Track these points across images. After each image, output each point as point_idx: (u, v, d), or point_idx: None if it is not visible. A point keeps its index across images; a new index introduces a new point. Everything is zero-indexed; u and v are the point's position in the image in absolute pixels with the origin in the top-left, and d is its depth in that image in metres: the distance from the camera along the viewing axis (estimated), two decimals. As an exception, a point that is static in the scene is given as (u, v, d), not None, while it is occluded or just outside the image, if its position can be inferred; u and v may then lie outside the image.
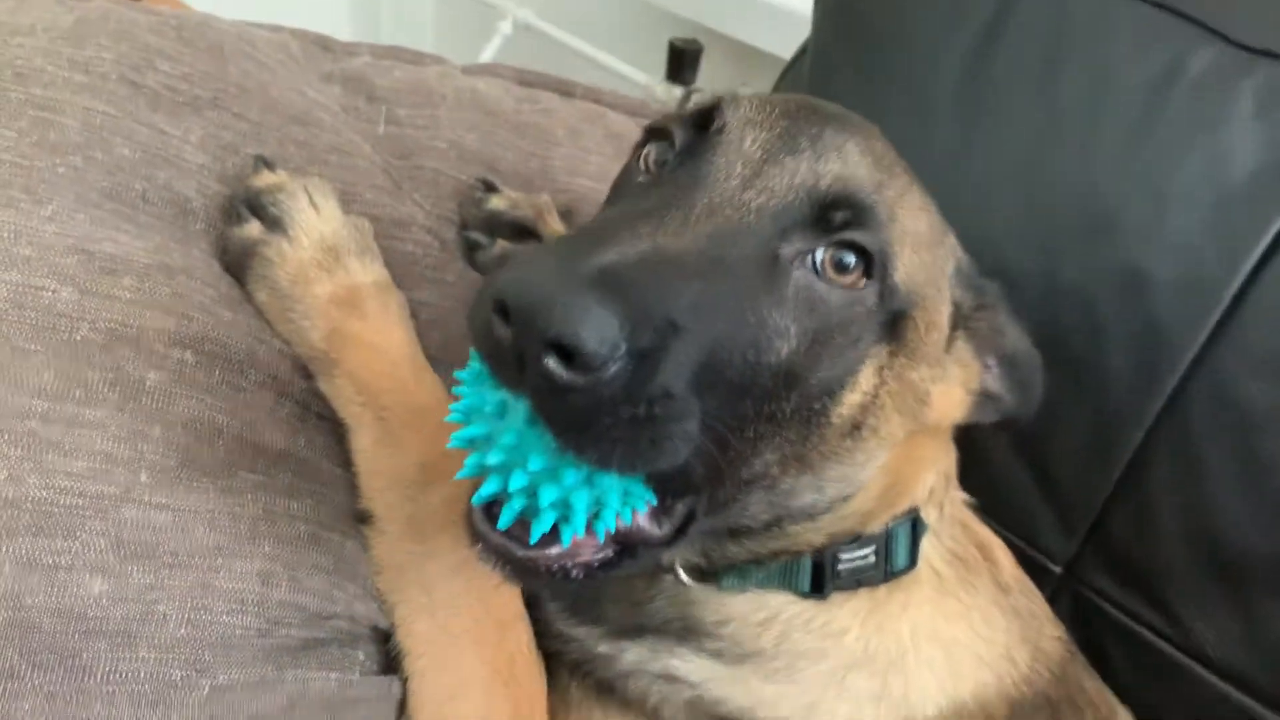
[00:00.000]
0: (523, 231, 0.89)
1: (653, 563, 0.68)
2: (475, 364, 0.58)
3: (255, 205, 0.74)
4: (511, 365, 0.51)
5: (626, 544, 0.62)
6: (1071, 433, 0.91)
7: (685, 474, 0.56)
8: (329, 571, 0.68)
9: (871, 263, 0.62)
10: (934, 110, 0.92)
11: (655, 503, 0.59)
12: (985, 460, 0.85)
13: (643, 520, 0.62)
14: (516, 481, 0.56)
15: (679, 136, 0.66)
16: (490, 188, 0.91)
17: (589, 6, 2.08)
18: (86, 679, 0.57)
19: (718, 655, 0.72)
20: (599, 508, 0.57)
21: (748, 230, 0.60)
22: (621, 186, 0.69)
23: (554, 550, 0.59)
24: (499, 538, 0.59)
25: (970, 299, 0.74)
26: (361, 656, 0.70)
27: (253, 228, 0.73)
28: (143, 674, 0.59)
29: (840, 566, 0.73)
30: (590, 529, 0.58)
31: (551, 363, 0.49)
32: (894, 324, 0.65)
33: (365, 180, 0.82)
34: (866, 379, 0.65)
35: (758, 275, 0.59)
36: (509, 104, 0.94)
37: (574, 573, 0.60)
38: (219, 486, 0.65)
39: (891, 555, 0.74)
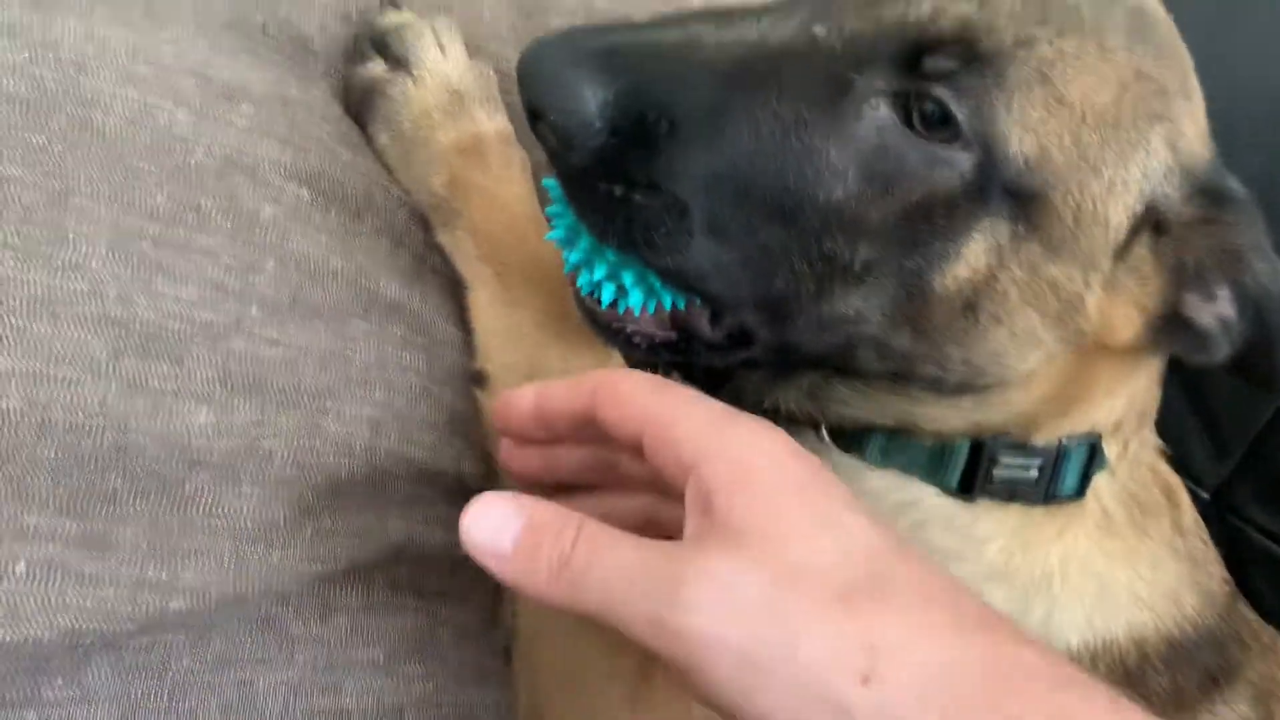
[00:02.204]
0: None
1: (717, 362, 0.66)
2: None
3: (380, 44, 0.70)
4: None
5: (684, 332, 0.62)
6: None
7: (697, 280, 0.58)
8: (439, 427, 0.66)
9: (958, 126, 0.55)
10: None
11: (680, 304, 0.61)
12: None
13: (697, 315, 0.62)
14: (573, 257, 0.60)
15: None
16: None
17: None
18: (189, 510, 0.55)
19: None
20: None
21: (815, 47, 0.56)
22: None
23: (623, 319, 0.62)
24: (588, 300, 0.62)
25: (1191, 207, 0.61)
26: (468, 521, 0.68)
27: (377, 66, 0.70)
28: (245, 510, 0.56)
29: (996, 471, 0.66)
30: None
31: (541, 126, 0.53)
32: (1021, 202, 0.57)
33: (489, 31, 0.77)
34: (975, 254, 0.58)
35: (817, 99, 0.55)
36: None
37: (638, 341, 0.62)
38: (331, 329, 0.62)
39: (1058, 476, 0.67)
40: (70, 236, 0.55)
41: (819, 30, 0.56)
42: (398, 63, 0.70)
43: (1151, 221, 0.61)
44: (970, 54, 0.55)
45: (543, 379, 0.67)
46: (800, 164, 0.55)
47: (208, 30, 0.66)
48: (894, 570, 0.46)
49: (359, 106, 0.70)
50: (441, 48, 0.71)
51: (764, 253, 0.57)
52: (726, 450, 0.47)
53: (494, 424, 0.61)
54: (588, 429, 0.53)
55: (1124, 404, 0.69)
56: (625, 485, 0.57)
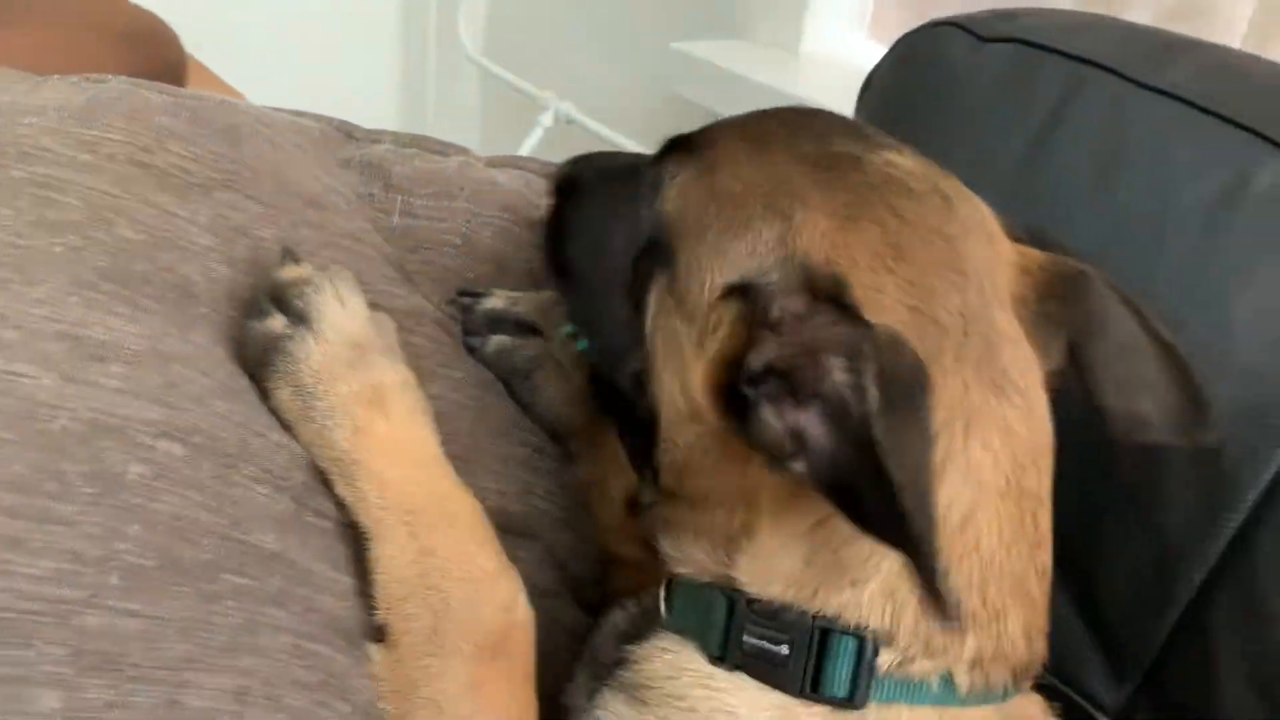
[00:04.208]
0: (527, 327, 0.86)
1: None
2: None
3: (280, 299, 0.71)
4: None
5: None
6: (1125, 570, 0.84)
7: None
8: (313, 689, 0.63)
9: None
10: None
11: None
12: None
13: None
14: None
15: None
16: (475, 294, 0.89)
17: (630, 101, 2.08)
18: (30, 809, 0.52)
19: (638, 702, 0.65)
20: None
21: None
22: None
23: None
24: None
25: (795, 299, 0.59)
26: (347, 786, 0.65)
27: (276, 322, 0.70)
28: (94, 804, 0.53)
29: (746, 638, 0.61)
30: None
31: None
32: (667, 257, 0.67)
33: (377, 270, 0.79)
34: (653, 303, 0.67)
35: (630, 189, 0.72)
36: (529, 197, 0.92)
37: None
38: (198, 591, 0.60)
39: (824, 668, 0.59)
40: (-82, 518, 0.54)
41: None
42: (299, 318, 0.70)
43: (745, 295, 0.62)
44: (687, 149, 0.70)
45: (449, 629, 0.66)
46: (608, 222, 0.73)
47: (83, 284, 0.65)
48: None
49: (257, 363, 0.70)
50: (341, 300, 0.71)
51: (585, 278, 0.75)
52: None
53: None
54: None
55: (877, 597, 0.60)
56: None
